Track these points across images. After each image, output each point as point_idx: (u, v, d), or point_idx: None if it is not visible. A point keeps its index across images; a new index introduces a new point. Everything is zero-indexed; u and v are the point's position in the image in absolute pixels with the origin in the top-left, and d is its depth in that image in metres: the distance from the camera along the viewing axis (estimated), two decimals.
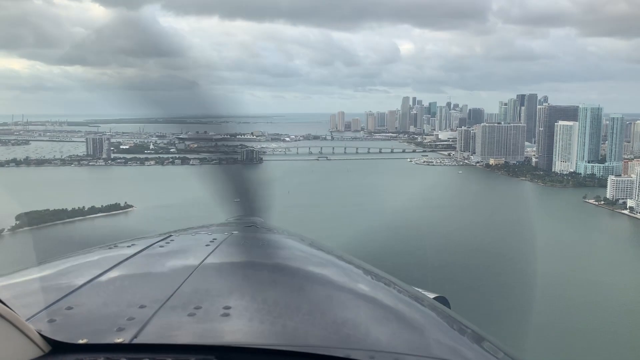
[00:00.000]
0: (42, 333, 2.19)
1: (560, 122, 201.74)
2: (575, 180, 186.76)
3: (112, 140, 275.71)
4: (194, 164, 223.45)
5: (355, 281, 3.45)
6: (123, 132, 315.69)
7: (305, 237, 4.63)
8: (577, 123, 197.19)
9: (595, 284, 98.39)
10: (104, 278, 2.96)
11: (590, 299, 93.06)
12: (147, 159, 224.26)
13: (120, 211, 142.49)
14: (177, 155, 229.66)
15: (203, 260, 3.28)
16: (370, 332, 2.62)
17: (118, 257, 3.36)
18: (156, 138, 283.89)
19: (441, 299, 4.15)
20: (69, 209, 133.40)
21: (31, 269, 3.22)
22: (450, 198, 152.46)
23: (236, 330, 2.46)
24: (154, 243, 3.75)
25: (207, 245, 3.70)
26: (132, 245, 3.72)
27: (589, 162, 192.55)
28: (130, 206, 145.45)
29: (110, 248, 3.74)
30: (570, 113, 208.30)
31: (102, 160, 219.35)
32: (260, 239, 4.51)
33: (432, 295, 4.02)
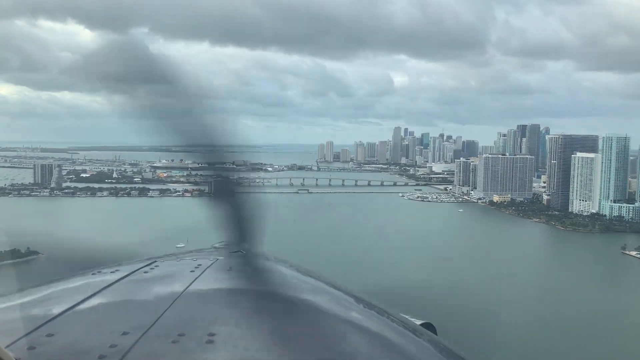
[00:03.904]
0: None
1: (579, 154, 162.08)
2: (601, 224, 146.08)
3: (77, 168, 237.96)
4: (152, 196, 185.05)
5: (343, 308, 3.29)
6: (97, 159, 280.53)
7: (293, 263, 4.29)
8: (599, 155, 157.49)
9: None
10: (86, 304, 2.80)
11: None
12: (100, 189, 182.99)
13: (20, 260, 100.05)
14: (135, 186, 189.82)
15: (187, 287, 3.11)
16: (357, 359, 2.53)
17: (101, 283, 3.17)
18: (128, 166, 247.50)
19: (428, 326, 3.90)
20: None
21: (11, 295, 3.03)
22: (458, 247, 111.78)
23: (220, 357, 2.33)
24: (138, 269, 3.51)
25: (192, 271, 3.44)
26: (116, 271, 3.47)
27: (615, 202, 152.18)
28: (36, 253, 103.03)
29: (93, 274, 3.45)
30: (588, 144, 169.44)
31: (47, 191, 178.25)
32: (246, 265, 3.99)
33: (419, 322, 3.78)
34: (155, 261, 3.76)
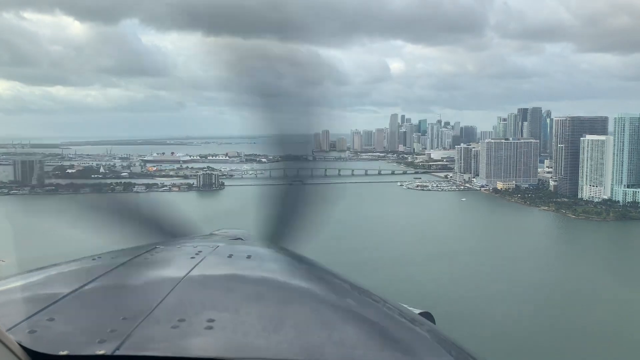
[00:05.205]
0: (22, 344, 2.06)
1: (589, 137, 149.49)
2: (616, 211, 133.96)
3: (65, 163, 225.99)
4: (137, 191, 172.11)
5: (341, 296, 3.27)
6: (87, 154, 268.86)
7: (292, 251, 4.33)
8: (610, 137, 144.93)
9: None
10: (86, 289, 2.77)
11: None
12: (84, 186, 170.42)
13: None
14: (121, 181, 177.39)
15: (188, 273, 3.09)
16: (355, 347, 2.49)
17: (102, 267, 3.15)
18: (118, 160, 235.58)
19: (426, 315, 3.93)
20: None
21: (11, 278, 2.99)
22: (466, 241, 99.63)
23: (220, 343, 2.32)
24: (139, 254, 3.53)
25: (192, 257, 3.45)
26: (117, 256, 3.48)
27: (628, 187, 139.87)
28: None
29: (94, 259, 3.43)
30: (597, 126, 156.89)
31: (28, 188, 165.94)
32: (246, 252, 4.01)
33: (417, 311, 3.78)
34: (156, 247, 3.75)
